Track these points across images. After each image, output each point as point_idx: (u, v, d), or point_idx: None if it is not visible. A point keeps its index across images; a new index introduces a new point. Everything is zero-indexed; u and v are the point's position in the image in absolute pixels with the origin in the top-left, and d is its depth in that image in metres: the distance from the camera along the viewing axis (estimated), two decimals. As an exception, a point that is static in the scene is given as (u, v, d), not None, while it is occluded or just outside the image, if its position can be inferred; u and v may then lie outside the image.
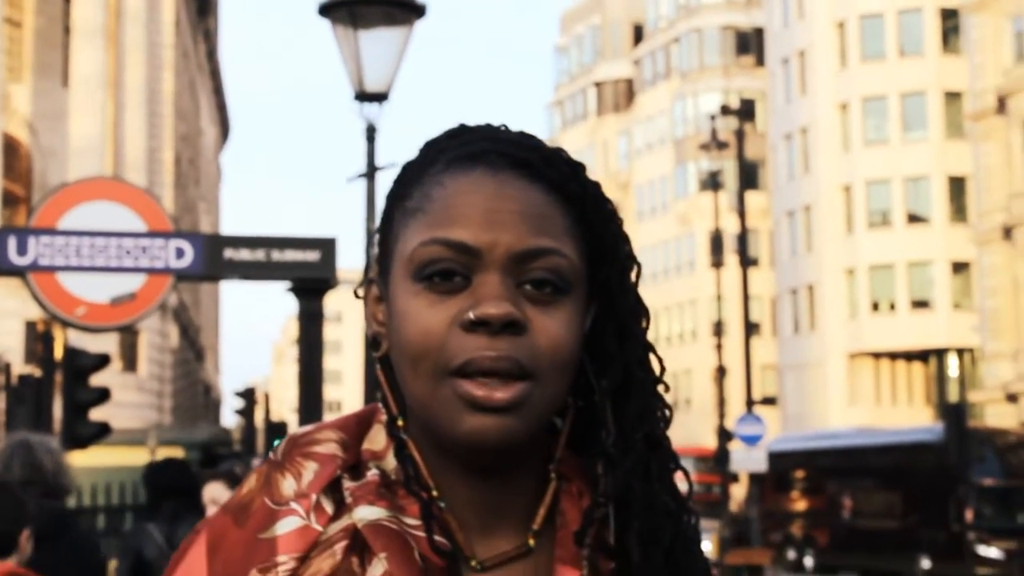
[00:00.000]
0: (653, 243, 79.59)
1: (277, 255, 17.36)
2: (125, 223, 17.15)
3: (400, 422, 1.48)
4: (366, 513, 1.42)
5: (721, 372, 40.91)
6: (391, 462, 1.47)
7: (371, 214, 13.87)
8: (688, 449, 48.23)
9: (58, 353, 18.90)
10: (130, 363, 51.78)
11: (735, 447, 33.19)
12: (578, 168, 1.49)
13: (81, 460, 18.02)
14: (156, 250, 17.18)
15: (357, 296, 1.54)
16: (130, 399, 47.35)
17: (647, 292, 78.89)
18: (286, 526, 1.43)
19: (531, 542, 1.47)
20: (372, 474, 1.46)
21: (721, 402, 38.96)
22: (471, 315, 1.38)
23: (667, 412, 1.52)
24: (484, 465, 1.45)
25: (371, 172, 13.46)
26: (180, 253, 17.33)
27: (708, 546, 32.96)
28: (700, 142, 54.12)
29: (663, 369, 1.52)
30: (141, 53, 55.50)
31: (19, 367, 30.43)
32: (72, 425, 16.90)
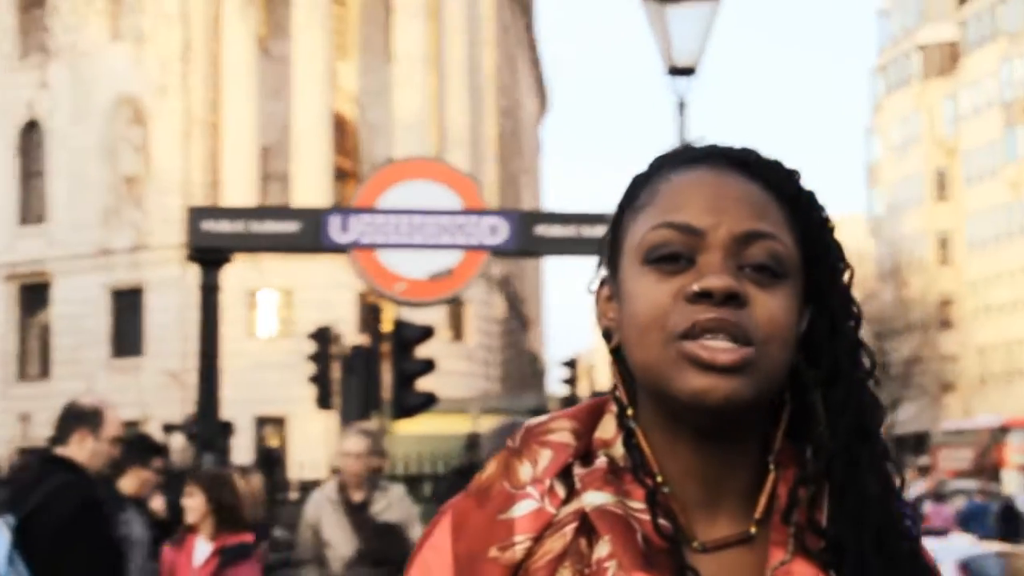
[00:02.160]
0: (981, 209, 77.22)
1: (588, 231, 17.52)
2: (443, 201, 17.57)
3: (630, 411, 1.59)
4: (594, 498, 1.54)
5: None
6: (619, 449, 1.58)
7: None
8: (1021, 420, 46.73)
9: (387, 324, 19.48)
10: (457, 333, 52.64)
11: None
12: (794, 173, 1.60)
13: (409, 428, 18.62)
14: (471, 227, 17.53)
15: (590, 292, 1.67)
16: (458, 368, 48.10)
17: (976, 259, 76.64)
18: (523, 508, 1.55)
19: (752, 530, 1.56)
20: (601, 461, 1.57)
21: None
22: (695, 287, 1.49)
23: (879, 406, 1.58)
24: (709, 427, 1.53)
25: (681, 146, 13.48)
26: (494, 230, 17.67)
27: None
28: (1029, 104, 52.32)
29: (874, 364, 1.61)
30: (462, 28, 56.29)
31: (352, 337, 31.33)
32: (400, 395, 17.38)
